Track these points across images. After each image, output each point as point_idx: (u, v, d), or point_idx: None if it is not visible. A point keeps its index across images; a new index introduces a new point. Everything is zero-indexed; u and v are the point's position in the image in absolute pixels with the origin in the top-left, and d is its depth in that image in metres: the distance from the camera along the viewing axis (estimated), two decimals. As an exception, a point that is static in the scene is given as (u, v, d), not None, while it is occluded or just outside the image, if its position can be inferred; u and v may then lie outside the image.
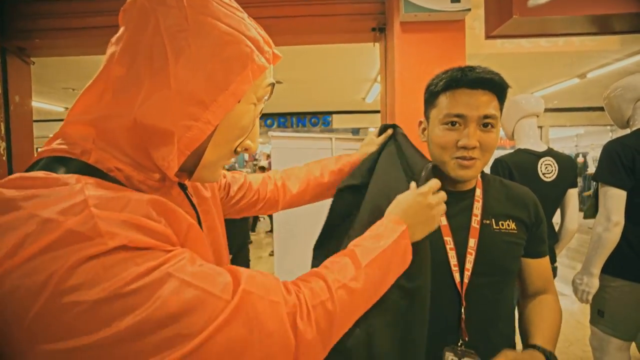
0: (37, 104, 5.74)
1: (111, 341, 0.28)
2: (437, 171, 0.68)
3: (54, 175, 0.33)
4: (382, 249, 0.51)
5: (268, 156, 9.41)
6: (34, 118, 1.85)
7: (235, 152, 0.45)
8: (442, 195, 0.60)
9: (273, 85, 0.46)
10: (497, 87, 0.64)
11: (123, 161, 0.39)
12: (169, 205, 0.37)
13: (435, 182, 0.60)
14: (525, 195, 0.73)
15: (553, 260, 1.59)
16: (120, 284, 0.29)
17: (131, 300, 0.29)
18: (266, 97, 0.46)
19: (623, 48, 3.38)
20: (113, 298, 0.28)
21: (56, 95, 5.51)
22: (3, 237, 0.28)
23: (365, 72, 4.53)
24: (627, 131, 1.41)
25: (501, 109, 0.67)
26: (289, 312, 0.38)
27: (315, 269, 0.48)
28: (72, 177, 0.33)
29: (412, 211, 0.57)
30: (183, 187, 0.50)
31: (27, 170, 0.36)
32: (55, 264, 0.27)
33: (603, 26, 1.57)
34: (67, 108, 6.45)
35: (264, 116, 7.37)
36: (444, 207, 0.60)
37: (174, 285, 0.31)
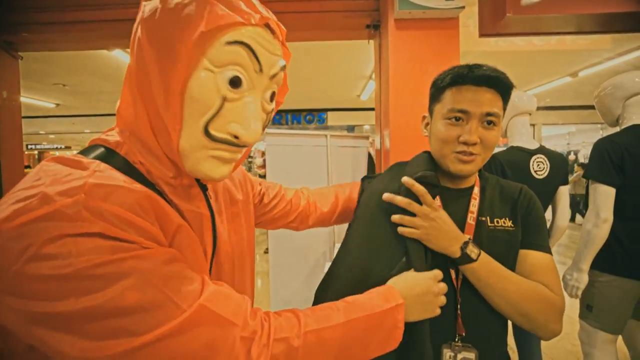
0: (26, 99, 5.63)
1: (66, 315, 0.30)
2: (429, 179, 0.67)
3: (83, 159, 0.37)
4: (368, 312, 0.48)
5: (263, 154, 9.39)
6: (23, 114, 1.81)
7: (210, 135, 0.39)
8: (445, 286, 0.60)
9: (246, 46, 0.38)
10: (502, 86, 0.65)
11: (145, 156, 0.41)
12: (160, 203, 0.38)
13: (439, 272, 0.60)
14: (517, 189, 0.73)
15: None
16: (86, 266, 0.30)
17: (92, 283, 0.31)
18: (237, 65, 0.38)
19: (615, 47, 3.42)
20: (76, 276, 0.30)
21: (47, 91, 5.41)
22: (13, 204, 0.31)
23: (360, 69, 4.53)
24: (617, 129, 1.43)
25: (504, 108, 0.68)
26: (246, 337, 0.37)
27: (296, 309, 0.47)
28: (94, 163, 0.37)
29: (416, 291, 0.55)
30: (204, 188, 0.49)
31: (81, 152, 0.42)
32: (38, 234, 0.30)
33: (595, 25, 1.58)
34: (58, 104, 6.34)
35: (259, 113, 7.31)
36: (444, 299, 0.59)
37: (137, 280, 0.32)
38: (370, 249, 0.66)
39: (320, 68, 4.48)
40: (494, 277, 0.61)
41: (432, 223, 0.62)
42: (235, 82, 0.39)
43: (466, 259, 0.61)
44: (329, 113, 7.40)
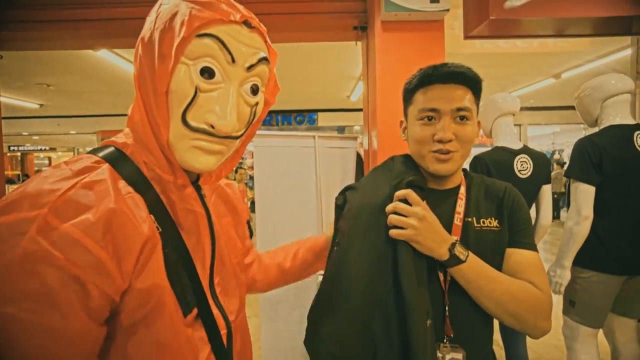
0: (7, 99, 5.47)
1: None
2: (417, 182, 0.67)
3: (87, 163, 0.39)
4: None
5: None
6: (4, 115, 1.76)
7: (188, 125, 0.41)
8: None
9: (215, 37, 0.40)
10: (469, 80, 0.65)
11: (147, 156, 0.44)
12: (122, 221, 0.37)
13: None
14: (502, 188, 0.72)
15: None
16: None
17: None
18: (208, 56, 0.40)
19: (594, 49, 3.53)
20: None
21: (30, 91, 5.27)
22: (12, 196, 0.34)
23: (350, 70, 4.55)
24: (596, 129, 1.48)
25: (477, 103, 0.68)
26: None
27: None
28: (88, 172, 0.38)
29: None
30: (198, 188, 0.50)
31: (91, 151, 0.44)
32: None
33: (575, 28, 1.63)
34: (41, 105, 6.18)
35: (249, 114, 7.27)
36: None
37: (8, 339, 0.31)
38: (370, 264, 0.63)
39: (311, 69, 4.48)
40: (483, 279, 0.61)
41: (421, 224, 0.61)
42: (207, 72, 0.41)
43: (454, 260, 0.60)
44: (320, 114, 7.41)
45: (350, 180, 1.69)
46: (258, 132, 1.56)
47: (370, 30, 1.62)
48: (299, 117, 7.39)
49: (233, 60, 0.42)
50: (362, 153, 1.82)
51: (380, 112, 1.49)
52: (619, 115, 1.41)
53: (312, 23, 1.69)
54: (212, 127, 0.41)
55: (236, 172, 4.50)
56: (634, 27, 1.62)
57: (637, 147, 1.36)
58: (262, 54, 0.45)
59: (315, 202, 1.56)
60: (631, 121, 1.41)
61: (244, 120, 0.45)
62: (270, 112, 7.34)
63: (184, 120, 0.41)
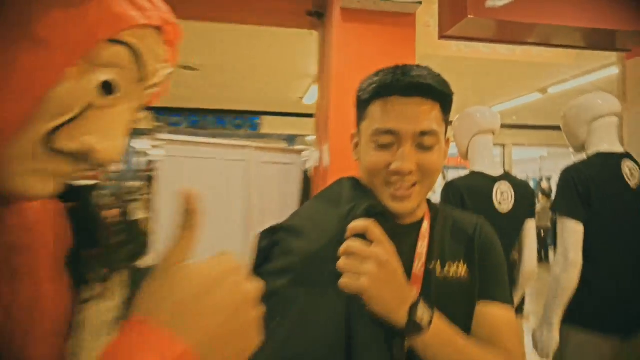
0: None
1: None
2: (378, 208, 0.65)
3: None
4: None
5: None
6: None
7: (50, 145, 0.38)
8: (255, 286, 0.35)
9: (129, 47, 0.39)
10: (437, 93, 0.65)
11: None
12: None
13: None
14: (472, 223, 0.73)
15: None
16: None
17: None
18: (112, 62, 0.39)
19: (578, 64, 4.03)
20: None
21: None
22: None
23: (304, 65, 4.63)
24: (584, 155, 1.62)
25: (445, 120, 0.69)
26: None
27: None
28: None
29: (210, 309, 0.32)
30: None
31: None
32: None
33: (558, 38, 1.83)
34: None
35: (168, 111, 6.97)
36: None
37: None
38: (327, 338, 0.60)
39: (254, 59, 4.48)
40: (447, 349, 0.60)
41: (381, 272, 0.56)
42: (107, 88, 0.39)
43: (414, 328, 0.58)
44: (264, 118, 7.38)
45: (294, 207, 1.65)
46: (164, 136, 1.47)
47: (328, 18, 1.65)
48: (237, 120, 7.30)
49: (141, 79, 0.41)
50: (311, 172, 1.81)
51: (333, 121, 1.50)
52: (606, 141, 1.56)
53: (258, 3, 1.68)
54: (88, 152, 0.39)
55: None
56: (618, 43, 1.87)
57: (626, 178, 1.50)
58: (170, 70, 0.46)
59: (242, 236, 1.49)
60: (619, 149, 1.56)
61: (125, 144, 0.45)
62: (198, 111, 7.14)
63: (48, 140, 0.37)
